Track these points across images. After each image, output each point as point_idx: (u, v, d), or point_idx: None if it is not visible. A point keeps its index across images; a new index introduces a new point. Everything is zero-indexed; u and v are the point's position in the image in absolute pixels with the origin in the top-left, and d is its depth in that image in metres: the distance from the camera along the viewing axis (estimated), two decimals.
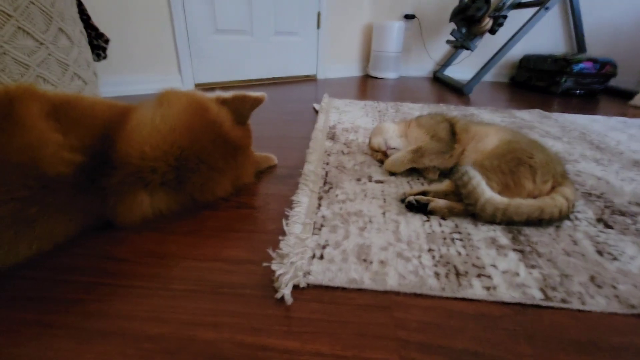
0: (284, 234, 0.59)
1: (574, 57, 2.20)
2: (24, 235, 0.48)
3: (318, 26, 2.30)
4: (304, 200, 0.70)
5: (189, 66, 1.86)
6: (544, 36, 2.64)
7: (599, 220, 0.69)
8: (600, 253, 0.58)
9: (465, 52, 2.61)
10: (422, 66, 2.80)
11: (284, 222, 0.63)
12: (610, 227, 0.66)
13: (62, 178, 0.49)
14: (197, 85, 1.95)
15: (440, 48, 2.71)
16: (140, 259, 0.53)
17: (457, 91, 2.14)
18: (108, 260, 0.53)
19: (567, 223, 0.67)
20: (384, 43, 2.48)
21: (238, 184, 0.74)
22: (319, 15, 2.27)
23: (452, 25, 2.34)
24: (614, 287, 0.50)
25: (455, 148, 0.82)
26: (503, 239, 0.61)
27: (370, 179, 0.83)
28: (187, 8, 1.76)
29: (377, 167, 0.90)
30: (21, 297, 0.45)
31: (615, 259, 0.57)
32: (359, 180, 0.82)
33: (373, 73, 2.61)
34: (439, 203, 0.67)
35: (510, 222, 0.64)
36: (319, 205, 0.70)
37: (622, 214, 0.71)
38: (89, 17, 1.22)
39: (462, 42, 2.24)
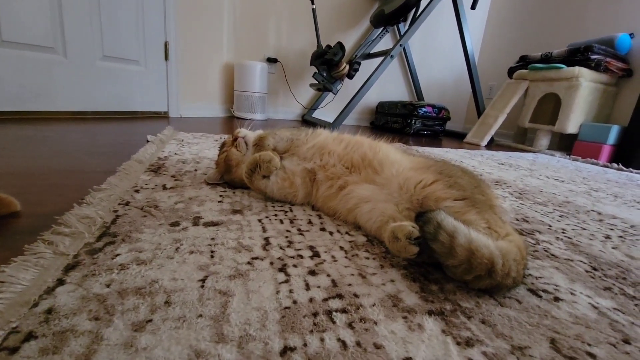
0: None
1: (418, 102, 2.49)
2: None
3: (166, 57, 1.96)
4: (16, 277, 0.32)
5: None
6: (392, 87, 2.98)
7: None
8: (535, 293, 0.39)
9: (329, 97, 2.68)
10: (290, 110, 2.74)
11: None
12: None
13: None
14: None
15: (306, 92, 2.72)
16: None
17: (325, 128, 2.09)
18: None
19: None
20: (247, 83, 2.31)
21: None
22: (166, 45, 1.95)
23: (314, 70, 2.37)
24: (591, 356, 0.29)
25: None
26: (408, 294, 0.36)
27: (197, 221, 0.50)
28: None
29: (214, 204, 0.57)
30: None
31: (557, 298, 0.38)
32: (174, 225, 0.47)
33: (238, 114, 2.38)
34: None
35: None
36: (59, 282, 0.32)
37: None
38: None
39: (325, 83, 2.25)
